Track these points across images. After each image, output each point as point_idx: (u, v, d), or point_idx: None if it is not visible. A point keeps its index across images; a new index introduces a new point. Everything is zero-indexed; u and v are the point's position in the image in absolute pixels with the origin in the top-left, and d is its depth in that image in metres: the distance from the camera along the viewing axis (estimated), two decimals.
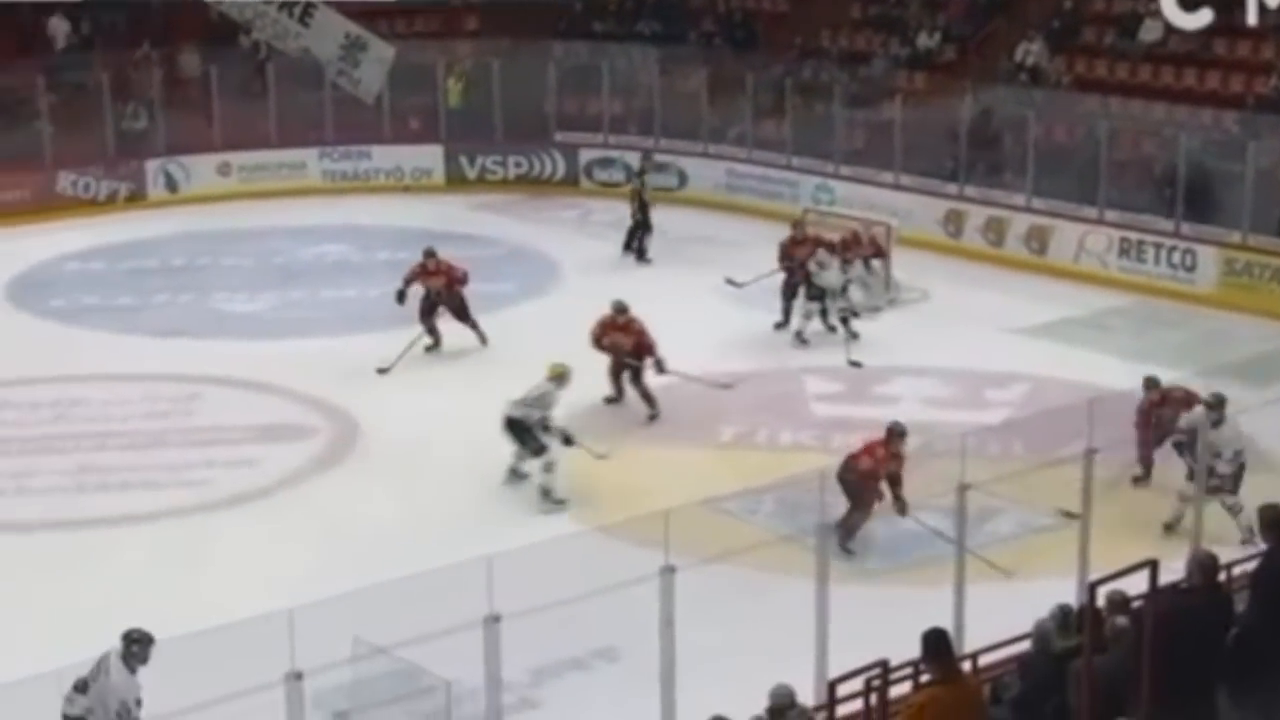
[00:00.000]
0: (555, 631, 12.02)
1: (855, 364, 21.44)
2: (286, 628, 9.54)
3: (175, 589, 14.99)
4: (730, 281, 23.56)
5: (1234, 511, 15.33)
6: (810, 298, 22.38)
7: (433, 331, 21.95)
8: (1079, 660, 9.90)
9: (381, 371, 21.04)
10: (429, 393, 20.41)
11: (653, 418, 19.76)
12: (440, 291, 21.99)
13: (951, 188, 27.80)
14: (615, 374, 20.15)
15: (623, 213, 29.02)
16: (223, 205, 30.06)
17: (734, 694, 10.69)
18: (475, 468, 17.99)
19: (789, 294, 22.79)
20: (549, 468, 17.15)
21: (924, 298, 24.56)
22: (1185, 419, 16.28)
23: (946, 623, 11.39)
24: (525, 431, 17.30)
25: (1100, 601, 10.30)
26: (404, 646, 10.48)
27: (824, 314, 22.42)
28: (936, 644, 9.77)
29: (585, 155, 31.71)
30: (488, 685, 10.89)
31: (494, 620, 10.67)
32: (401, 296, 21.95)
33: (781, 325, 22.78)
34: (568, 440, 17.25)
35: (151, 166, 30.81)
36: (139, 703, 10.94)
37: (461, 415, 19.53)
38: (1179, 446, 16.52)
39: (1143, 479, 17.32)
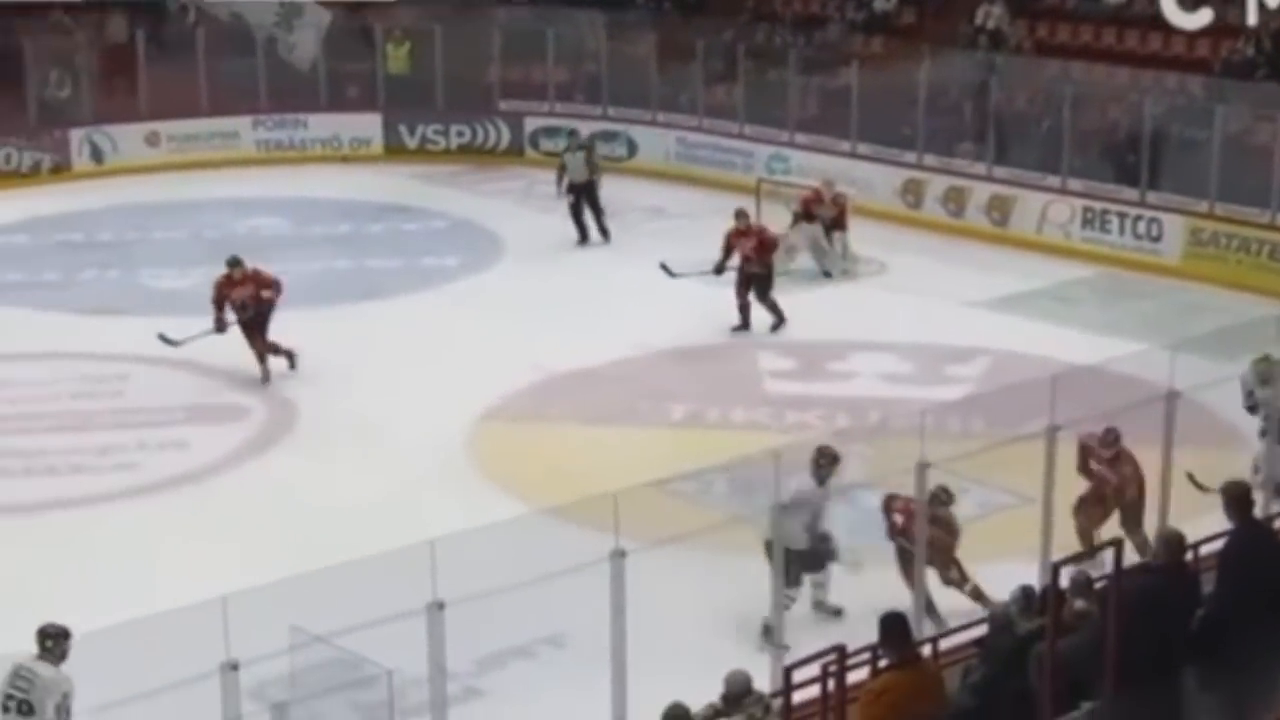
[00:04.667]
0: (501, 618, 12.02)
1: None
2: (220, 616, 9.52)
3: (104, 577, 14.93)
4: (664, 267, 22.87)
5: None
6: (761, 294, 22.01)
7: (274, 350, 20.43)
8: (1042, 643, 9.97)
9: (169, 342, 20.38)
10: (368, 372, 20.38)
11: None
12: (246, 303, 20.32)
13: (910, 156, 27.89)
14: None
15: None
16: (152, 177, 29.89)
17: (689, 681, 10.72)
18: (416, 448, 17.99)
19: (745, 289, 22.03)
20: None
21: (881, 270, 24.64)
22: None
23: (906, 605, 11.47)
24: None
25: (1064, 583, 10.38)
26: (344, 635, 10.45)
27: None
28: (894, 628, 9.84)
29: (530, 124, 31.62)
30: (431, 674, 10.89)
31: (438, 607, 10.67)
32: (220, 324, 20.27)
33: (740, 328, 21.98)
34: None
35: (76, 137, 30.61)
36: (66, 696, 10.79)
37: (401, 394, 19.55)
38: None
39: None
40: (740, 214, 22.49)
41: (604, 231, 26.06)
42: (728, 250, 22.06)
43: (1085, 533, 14.91)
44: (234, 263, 20.54)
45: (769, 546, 12.98)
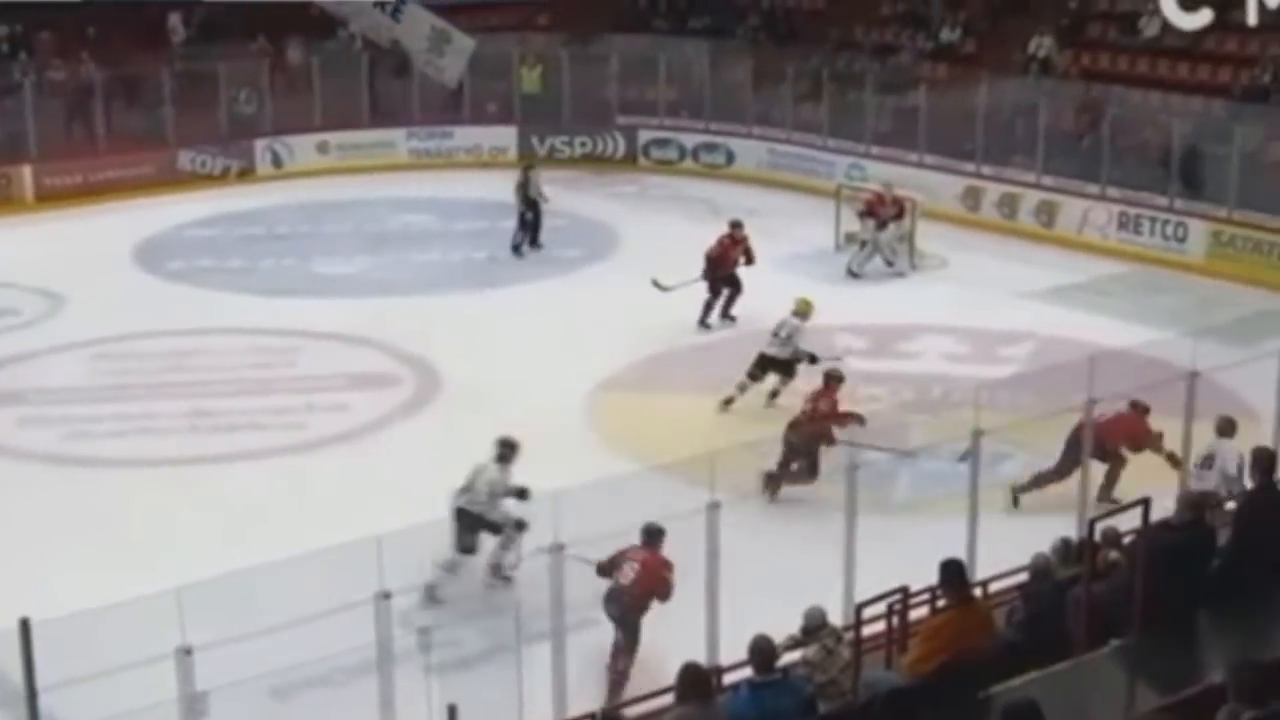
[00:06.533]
0: None
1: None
2: (375, 553, 9.56)
3: (276, 519, 15.05)
4: (656, 283, 21.30)
5: None
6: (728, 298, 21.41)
7: None
8: (1078, 588, 9.88)
9: None
10: (501, 347, 20.42)
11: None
12: None
13: (970, 166, 27.66)
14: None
15: (676, 188, 29.03)
16: (322, 180, 30.13)
17: (771, 615, 10.68)
18: (543, 412, 17.97)
19: (720, 291, 21.43)
20: None
21: (944, 265, 24.46)
22: None
23: (960, 553, 11.36)
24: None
25: (1097, 536, 10.29)
26: (479, 570, 10.51)
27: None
28: (952, 572, 9.76)
29: (643, 136, 31.62)
30: (552, 606, 10.92)
31: (559, 548, 10.71)
32: None
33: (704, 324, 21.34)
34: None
35: (260, 145, 30.87)
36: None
37: (529, 366, 19.58)
38: None
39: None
40: (736, 224, 21.88)
41: (534, 243, 25.29)
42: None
43: None
44: None
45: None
